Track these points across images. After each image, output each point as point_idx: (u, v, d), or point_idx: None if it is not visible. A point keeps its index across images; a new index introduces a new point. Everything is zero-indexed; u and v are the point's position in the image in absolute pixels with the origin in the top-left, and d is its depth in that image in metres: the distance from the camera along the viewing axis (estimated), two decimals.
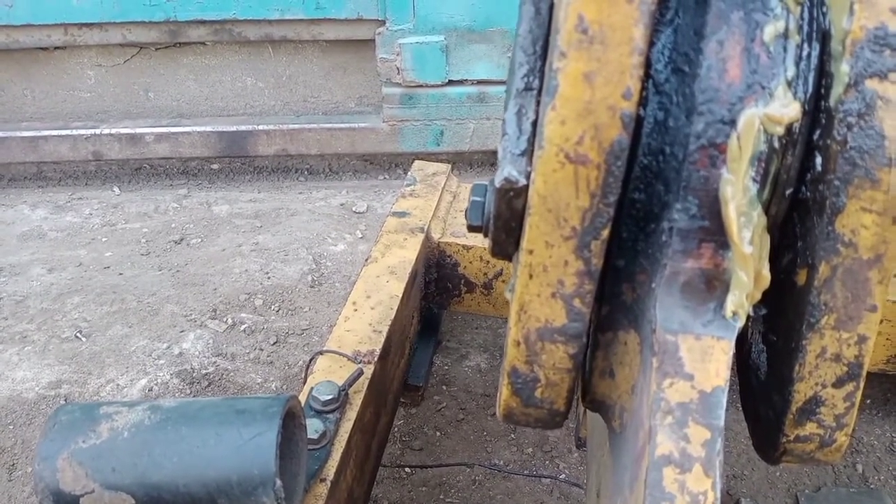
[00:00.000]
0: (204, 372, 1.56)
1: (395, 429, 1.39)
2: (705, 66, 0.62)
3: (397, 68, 2.17)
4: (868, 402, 1.51)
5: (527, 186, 0.65)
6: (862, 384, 0.70)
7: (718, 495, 0.60)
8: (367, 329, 1.16)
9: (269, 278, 1.83)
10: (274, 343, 1.64)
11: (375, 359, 1.11)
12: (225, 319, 1.70)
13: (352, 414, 1.01)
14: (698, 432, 0.61)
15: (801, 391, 0.69)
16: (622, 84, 0.60)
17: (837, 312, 0.65)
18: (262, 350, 1.62)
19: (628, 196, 0.68)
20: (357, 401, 1.03)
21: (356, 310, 1.20)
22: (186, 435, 0.72)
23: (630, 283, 0.70)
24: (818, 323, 0.66)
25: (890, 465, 1.39)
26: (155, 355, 1.60)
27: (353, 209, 2.14)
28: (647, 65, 0.63)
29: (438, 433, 1.40)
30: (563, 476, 1.33)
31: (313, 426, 0.94)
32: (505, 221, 0.69)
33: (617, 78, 0.60)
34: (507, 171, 0.66)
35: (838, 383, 0.69)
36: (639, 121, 0.65)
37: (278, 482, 0.73)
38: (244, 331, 1.68)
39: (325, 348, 1.11)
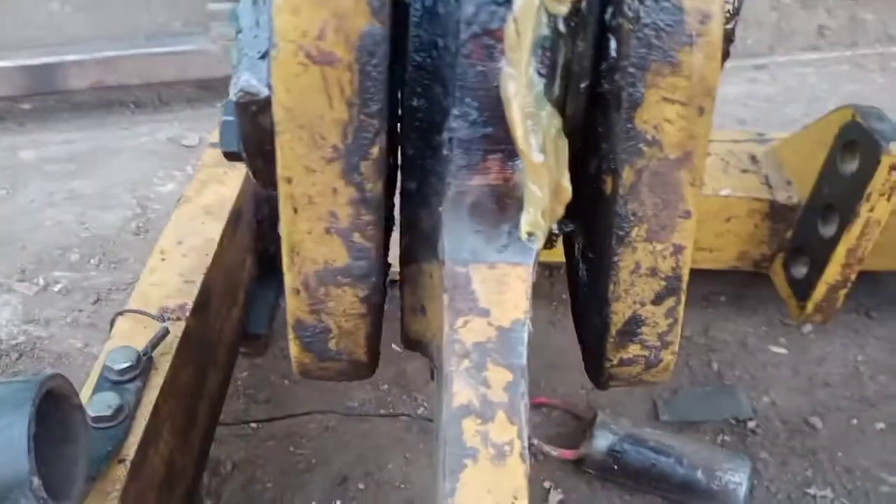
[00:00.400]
0: (13, 343, 1.39)
1: (238, 382, 1.29)
2: None
3: None
4: (722, 298, 1.53)
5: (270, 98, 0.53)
6: (683, 297, 0.65)
7: (525, 443, 0.53)
8: (177, 280, 1.03)
9: (86, 229, 1.64)
10: (95, 302, 1.48)
11: (187, 313, 0.98)
12: (35, 280, 1.52)
13: (158, 380, 0.89)
14: (499, 375, 0.54)
15: (619, 311, 0.63)
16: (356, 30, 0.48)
17: (648, 222, 0.58)
18: (80, 311, 1.46)
19: (406, 103, 0.57)
20: (165, 364, 0.91)
21: (164, 259, 1.06)
22: None
23: (426, 207, 0.61)
24: (628, 236, 0.59)
25: (744, 361, 1.41)
26: None
27: (183, 143, 1.94)
28: None
29: (286, 382, 1.31)
30: (420, 411, 1.27)
31: (106, 401, 0.82)
32: (256, 144, 0.57)
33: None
34: (244, 79, 0.54)
35: (657, 300, 0.63)
36: (405, 8, 0.53)
37: (36, 481, 0.62)
38: (59, 291, 1.51)
39: (125, 308, 0.97)
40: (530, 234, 0.55)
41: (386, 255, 0.63)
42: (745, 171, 1.39)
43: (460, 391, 0.54)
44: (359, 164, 0.53)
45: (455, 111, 0.53)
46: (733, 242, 1.36)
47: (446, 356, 0.55)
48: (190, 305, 0.99)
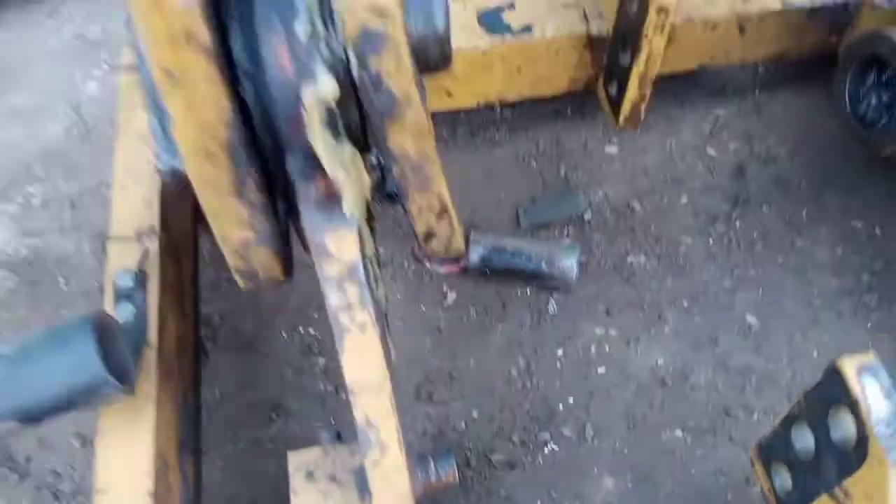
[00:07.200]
0: (21, 256, 1.87)
1: (204, 254, 1.75)
2: (268, 68, 0.88)
3: None
4: (569, 111, 2.13)
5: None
6: (453, 215, 1.13)
7: (375, 320, 0.95)
8: (140, 206, 1.40)
9: (37, 143, 2.07)
10: (71, 208, 1.95)
11: (157, 230, 1.37)
12: (15, 199, 1.98)
13: (153, 283, 1.32)
14: (352, 288, 0.95)
15: (420, 228, 1.14)
16: (220, 109, 0.87)
17: (418, 187, 1.06)
18: (62, 218, 1.92)
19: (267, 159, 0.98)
20: (154, 270, 1.33)
21: (123, 188, 1.43)
22: (35, 371, 1.04)
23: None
24: (409, 194, 1.07)
25: (585, 163, 2.05)
26: None
27: (88, 38, 2.34)
28: (232, 67, 0.86)
29: None
30: None
31: (127, 309, 1.26)
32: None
33: (212, 124, 0.87)
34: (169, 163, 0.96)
35: (439, 219, 1.13)
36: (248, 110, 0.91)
37: (111, 379, 1.04)
38: (39, 204, 1.96)
39: (109, 235, 1.37)
40: (352, 213, 0.92)
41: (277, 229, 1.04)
42: (566, 6, 1.87)
43: (333, 299, 0.94)
44: (249, 199, 0.94)
45: (291, 158, 0.93)
46: (564, 70, 1.92)
47: (322, 283, 0.95)
48: (157, 224, 1.37)
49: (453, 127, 2.17)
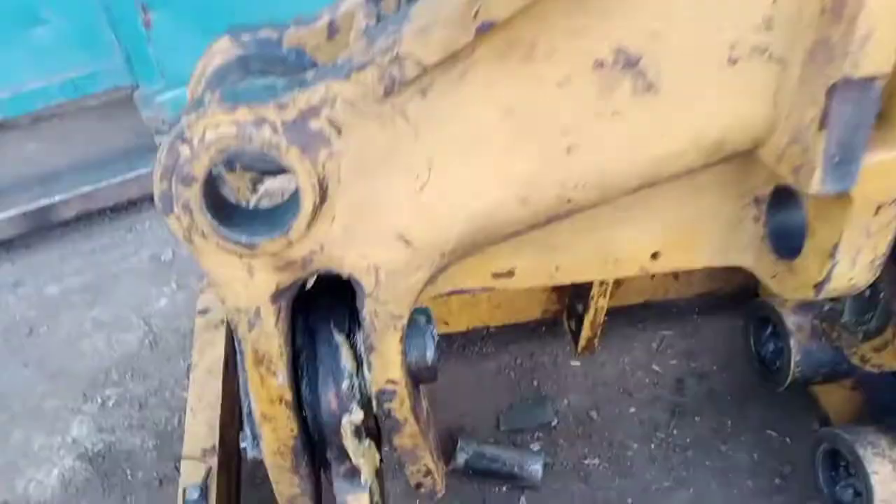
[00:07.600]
0: (96, 450, 2.26)
1: None
2: (323, 406, 1.28)
3: (162, 120, 2.84)
4: (543, 329, 2.64)
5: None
6: (437, 476, 1.42)
7: None
8: (205, 428, 1.75)
9: (115, 351, 2.54)
10: (139, 409, 2.36)
11: (217, 447, 1.70)
12: (95, 399, 2.37)
13: (213, 492, 1.67)
14: None
15: (412, 481, 1.42)
16: (292, 431, 1.26)
17: (411, 462, 1.37)
18: (132, 417, 2.33)
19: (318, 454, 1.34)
20: (213, 483, 1.68)
21: (193, 413, 1.80)
22: None
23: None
24: (405, 464, 1.38)
25: (554, 375, 2.56)
26: (55, 448, 2.26)
27: (161, 259, 2.85)
28: (299, 398, 1.26)
29: None
30: None
31: None
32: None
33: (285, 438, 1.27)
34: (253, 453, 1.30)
35: (425, 476, 1.41)
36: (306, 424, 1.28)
37: None
38: (112, 405, 2.36)
39: (183, 454, 1.72)
40: (366, 482, 1.30)
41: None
42: None
43: None
44: (301, 480, 1.32)
45: (330, 453, 1.30)
46: (537, 305, 2.57)
47: None
48: (217, 442, 1.71)
49: (449, 342, 2.69)
